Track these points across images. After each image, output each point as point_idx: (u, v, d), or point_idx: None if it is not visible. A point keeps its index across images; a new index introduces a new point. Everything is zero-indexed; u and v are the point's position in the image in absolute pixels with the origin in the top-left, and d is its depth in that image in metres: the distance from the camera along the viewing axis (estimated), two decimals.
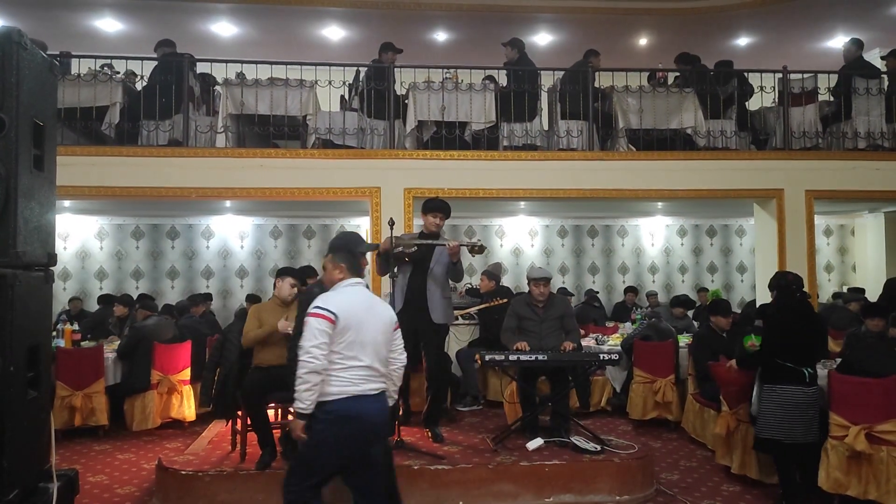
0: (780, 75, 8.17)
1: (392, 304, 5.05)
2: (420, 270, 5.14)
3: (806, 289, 7.51)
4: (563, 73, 8.10)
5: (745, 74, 8.44)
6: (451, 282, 5.37)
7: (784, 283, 4.70)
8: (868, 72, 8.27)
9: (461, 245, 5.09)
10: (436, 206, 5.23)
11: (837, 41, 10.17)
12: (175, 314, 7.87)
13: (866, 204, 10.02)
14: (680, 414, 6.44)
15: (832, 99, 8.34)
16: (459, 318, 7.46)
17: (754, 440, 4.57)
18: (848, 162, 7.92)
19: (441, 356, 5.36)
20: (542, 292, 5.45)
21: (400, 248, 4.98)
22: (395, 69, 7.78)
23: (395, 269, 4.97)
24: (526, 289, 5.94)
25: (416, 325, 4.99)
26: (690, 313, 10.02)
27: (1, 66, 2.11)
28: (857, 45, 8.46)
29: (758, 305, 6.91)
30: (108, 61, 8.01)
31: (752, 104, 8.56)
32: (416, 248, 4.98)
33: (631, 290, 10.71)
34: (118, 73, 7.84)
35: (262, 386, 4.67)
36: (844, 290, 10.85)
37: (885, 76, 8.27)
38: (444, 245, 5.07)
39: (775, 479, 4.73)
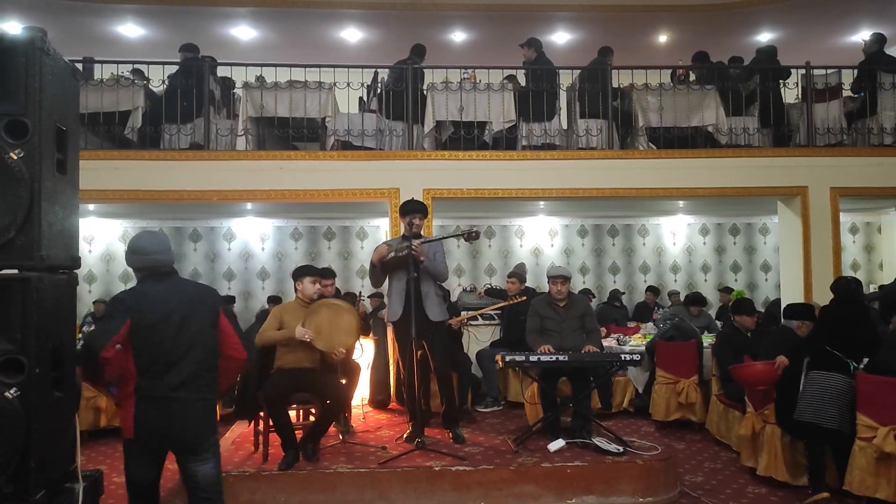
0: (804, 71, 8.05)
1: (389, 310, 5.24)
2: (413, 272, 5.15)
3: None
4: (581, 71, 8.06)
5: (772, 64, 8.32)
6: (441, 285, 5.46)
7: (843, 282, 5.08)
8: (890, 66, 8.12)
9: (452, 237, 5.58)
10: (415, 207, 5.30)
11: (861, 36, 9.99)
12: None
13: (892, 201, 9.84)
14: (704, 415, 6.37)
15: (855, 95, 8.21)
16: (479, 317, 7.44)
17: (792, 424, 4.58)
18: (873, 158, 7.78)
19: (445, 354, 5.36)
20: (559, 290, 5.42)
21: (393, 254, 5.08)
22: (417, 70, 7.78)
23: (387, 279, 5.27)
24: (545, 289, 5.92)
25: (418, 326, 4.98)
26: (713, 312, 9.92)
27: (24, 71, 2.14)
28: (878, 39, 8.33)
29: (784, 306, 6.81)
30: (138, 68, 8.10)
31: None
32: (406, 251, 4.99)
33: (651, 290, 10.62)
34: (148, 80, 7.93)
35: (285, 388, 4.70)
36: (872, 288, 10.66)
37: None
38: (439, 243, 5.26)
39: (803, 480, 4.68)
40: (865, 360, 4.85)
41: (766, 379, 4.91)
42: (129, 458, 3.00)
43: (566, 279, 5.49)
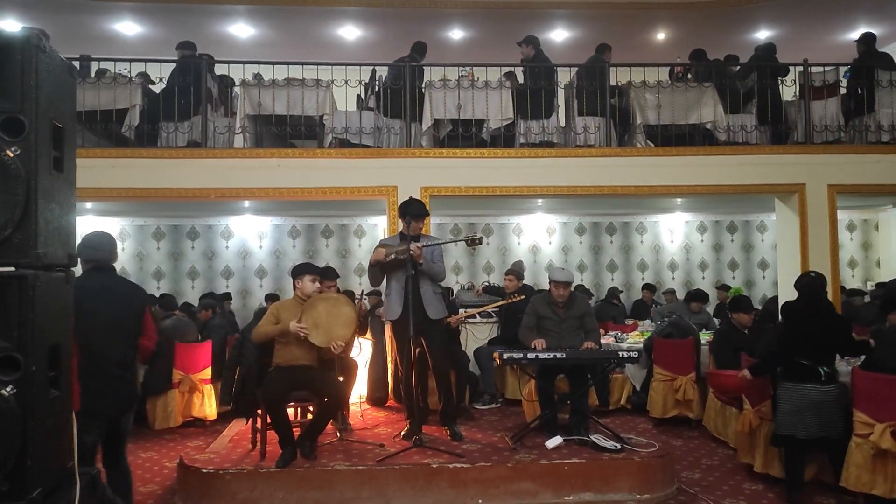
0: (801, 68, 8.06)
1: (388, 308, 5.24)
2: (411, 270, 5.16)
3: (829, 285, 7.48)
4: (579, 69, 8.06)
5: (770, 62, 8.32)
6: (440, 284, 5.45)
7: (806, 281, 4.65)
8: (885, 64, 8.14)
9: (455, 241, 5.67)
10: (417, 212, 5.27)
11: (859, 33, 10.01)
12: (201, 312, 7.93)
13: (890, 198, 9.86)
14: (701, 412, 6.38)
15: (847, 91, 8.22)
16: (476, 315, 7.45)
17: (772, 436, 4.57)
18: (871, 156, 7.79)
19: (443, 351, 5.37)
20: (562, 294, 5.40)
21: (393, 256, 5.09)
22: (417, 68, 7.77)
23: (385, 278, 5.29)
24: (543, 286, 5.92)
25: (418, 324, 5.00)
26: (711, 310, 9.93)
27: (20, 68, 2.13)
28: (864, 39, 8.35)
29: (781, 304, 6.83)
30: (144, 72, 8.07)
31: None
32: (406, 254, 5.02)
33: (647, 288, 10.61)
34: (154, 81, 7.90)
35: (283, 385, 4.69)
36: (868, 286, 10.68)
37: None
38: (437, 245, 5.28)
39: None
40: (845, 359, 4.89)
41: (734, 389, 5.02)
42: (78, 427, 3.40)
43: (569, 284, 5.47)
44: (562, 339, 5.34)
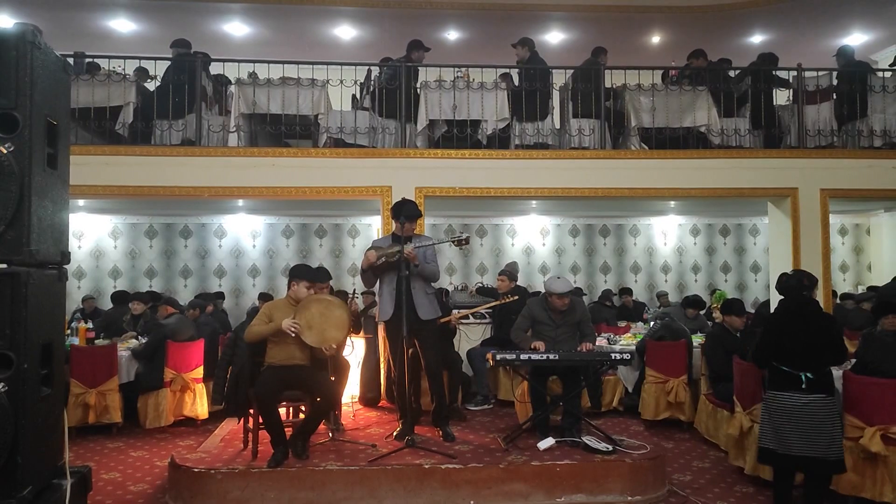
0: (795, 73, 8.10)
1: (381, 309, 5.26)
2: (404, 271, 5.16)
3: (820, 288, 7.52)
4: (574, 71, 8.08)
5: (769, 66, 8.36)
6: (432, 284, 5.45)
7: (783, 283, 4.43)
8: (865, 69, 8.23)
9: (443, 242, 5.55)
10: (410, 213, 5.27)
11: (853, 38, 10.10)
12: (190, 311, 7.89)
13: (882, 203, 9.93)
14: (692, 414, 6.41)
15: (838, 96, 8.29)
16: (470, 316, 7.46)
17: (757, 450, 4.34)
18: (863, 160, 7.85)
19: (436, 352, 5.36)
20: (565, 303, 5.37)
21: (384, 259, 5.10)
22: (410, 67, 7.77)
23: (378, 280, 5.28)
24: (536, 288, 5.90)
25: (410, 325, 4.99)
26: (702, 313, 9.96)
27: (15, 65, 2.13)
28: (843, 54, 8.41)
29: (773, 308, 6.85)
30: (143, 66, 8.04)
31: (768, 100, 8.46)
32: (397, 256, 5.04)
33: (626, 292, 10.58)
34: (151, 78, 7.88)
35: (275, 385, 4.69)
36: (859, 290, 10.73)
37: None
38: (428, 245, 5.27)
39: None
40: (852, 362, 4.87)
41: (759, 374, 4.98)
42: None
43: (570, 293, 5.41)
44: (556, 344, 5.33)
